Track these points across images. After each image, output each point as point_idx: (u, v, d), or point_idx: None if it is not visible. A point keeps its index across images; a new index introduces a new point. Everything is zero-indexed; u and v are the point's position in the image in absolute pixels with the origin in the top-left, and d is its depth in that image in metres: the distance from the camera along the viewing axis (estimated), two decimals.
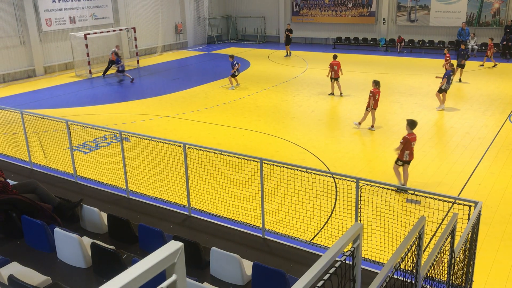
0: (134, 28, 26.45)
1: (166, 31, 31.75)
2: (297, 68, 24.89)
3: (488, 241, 8.24)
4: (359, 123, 14.57)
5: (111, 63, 23.53)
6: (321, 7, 32.85)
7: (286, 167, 7.54)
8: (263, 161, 7.51)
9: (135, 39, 26.58)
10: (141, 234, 6.87)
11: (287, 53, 28.71)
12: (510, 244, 8.21)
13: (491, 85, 19.91)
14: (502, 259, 7.77)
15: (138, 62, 26.68)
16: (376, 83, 14.25)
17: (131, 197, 9.33)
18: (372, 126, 14.44)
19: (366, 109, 14.37)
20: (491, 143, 13.08)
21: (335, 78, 18.53)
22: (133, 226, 7.12)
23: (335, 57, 18.94)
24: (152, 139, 8.97)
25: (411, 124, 10.29)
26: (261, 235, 7.79)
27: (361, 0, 31.16)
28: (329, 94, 18.78)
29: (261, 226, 7.81)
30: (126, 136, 9.63)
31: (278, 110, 17.01)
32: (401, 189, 9.41)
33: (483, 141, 13.30)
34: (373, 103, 14.17)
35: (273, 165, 7.47)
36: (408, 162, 10.36)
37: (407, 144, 10.13)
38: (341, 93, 18.71)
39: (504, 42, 26.14)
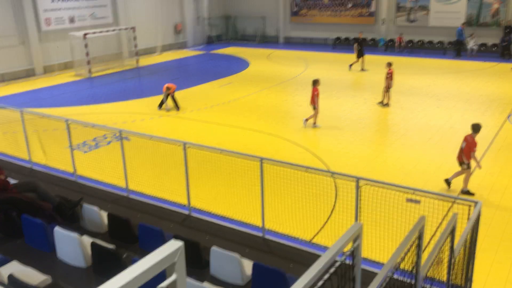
0: (133, 28, 26.44)
1: (166, 31, 31.74)
2: (297, 68, 24.88)
3: (488, 241, 8.24)
4: (307, 120, 14.94)
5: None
6: (321, 7, 32.84)
7: (286, 167, 7.54)
8: (263, 160, 7.51)
9: (135, 38, 26.57)
10: (141, 234, 6.87)
11: (362, 67, 23.80)
12: (510, 245, 8.21)
13: (490, 86, 19.92)
14: (502, 259, 7.77)
15: (137, 61, 26.67)
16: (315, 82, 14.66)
17: (131, 196, 9.33)
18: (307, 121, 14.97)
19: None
20: (491, 144, 13.08)
21: (390, 87, 16.91)
22: (133, 225, 7.12)
23: (390, 64, 17.12)
24: (152, 138, 8.97)
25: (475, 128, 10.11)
26: (261, 235, 7.79)
27: (360, 0, 31.17)
28: (385, 105, 17.06)
29: (261, 225, 7.81)
30: (126, 135, 9.63)
31: (278, 110, 17.01)
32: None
33: (482, 141, 13.29)
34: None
35: (273, 164, 7.47)
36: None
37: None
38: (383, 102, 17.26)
39: (505, 43, 26.14)
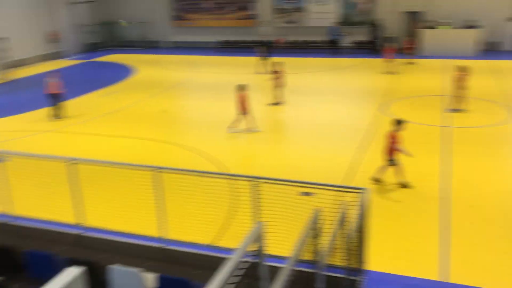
0: (6, 38, 24.24)
1: (40, 41, 29.60)
2: (183, 73, 24.72)
3: (376, 224, 8.90)
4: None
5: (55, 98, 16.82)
6: (202, 11, 33.01)
7: (182, 173, 7.44)
8: (157, 169, 7.33)
9: (7, 50, 24.39)
10: (29, 261, 6.32)
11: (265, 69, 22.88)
12: (394, 224, 8.96)
13: (364, 80, 21.59)
14: (389, 239, 8.45)
15: (11, 74, 24.53)
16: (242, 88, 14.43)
17: (12, 222, 8.54)
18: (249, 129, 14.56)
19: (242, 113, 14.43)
20: (369, 133, 14.13)
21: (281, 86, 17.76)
22: (18, 253, 6.52)
23: (278, 64, 18.06)
24: (35, 157, 8.31)
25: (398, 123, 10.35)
26: (161, 246, 7.60)
27: (240, 4, 31.88)
28: (275, 104, 17.60)
29: (160, 236, 7.62)
30: (2, 157, 8.78)
31: (168, 116, 16.73)
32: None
33: (359, 131, 14.31)
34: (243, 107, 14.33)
35: (168, 172, 7.32)
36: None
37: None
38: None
39: (373, 39, 28.48)
